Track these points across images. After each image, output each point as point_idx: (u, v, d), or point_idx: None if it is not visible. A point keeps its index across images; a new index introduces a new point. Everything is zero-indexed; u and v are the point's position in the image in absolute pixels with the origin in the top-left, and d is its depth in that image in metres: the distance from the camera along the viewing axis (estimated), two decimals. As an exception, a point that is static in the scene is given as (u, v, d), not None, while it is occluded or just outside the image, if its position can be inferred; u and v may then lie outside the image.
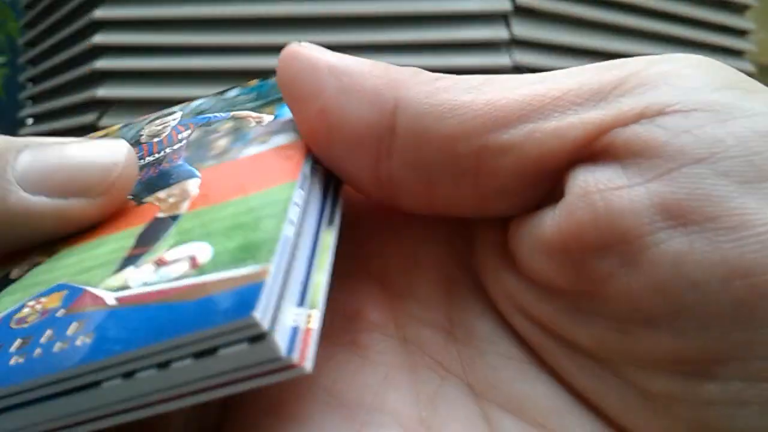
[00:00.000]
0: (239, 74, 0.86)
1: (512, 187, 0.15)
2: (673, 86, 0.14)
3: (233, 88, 0.22)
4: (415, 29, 0.85)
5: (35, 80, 1.22)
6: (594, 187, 0.14)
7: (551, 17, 0.87)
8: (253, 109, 0.20)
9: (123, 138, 0.21)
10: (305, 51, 0.17)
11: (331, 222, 0.17)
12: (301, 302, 0.14)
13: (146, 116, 0.22)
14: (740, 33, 1.09)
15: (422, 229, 0.19)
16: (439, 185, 0.16)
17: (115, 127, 0.22)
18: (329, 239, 0.16)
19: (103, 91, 0.88)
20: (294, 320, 0.13)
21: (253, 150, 0.18)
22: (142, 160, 0.19)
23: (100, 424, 0.13)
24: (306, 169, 0.16)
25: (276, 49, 0.78)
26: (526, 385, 0.16)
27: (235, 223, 0.14)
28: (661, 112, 0.14)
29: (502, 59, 0.84)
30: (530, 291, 0.16)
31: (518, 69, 0.85)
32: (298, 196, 0.15)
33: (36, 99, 1.21)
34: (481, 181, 0.15)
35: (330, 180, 0.18)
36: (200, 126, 0.20)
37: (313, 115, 0.16)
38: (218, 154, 0.18)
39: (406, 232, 0.19)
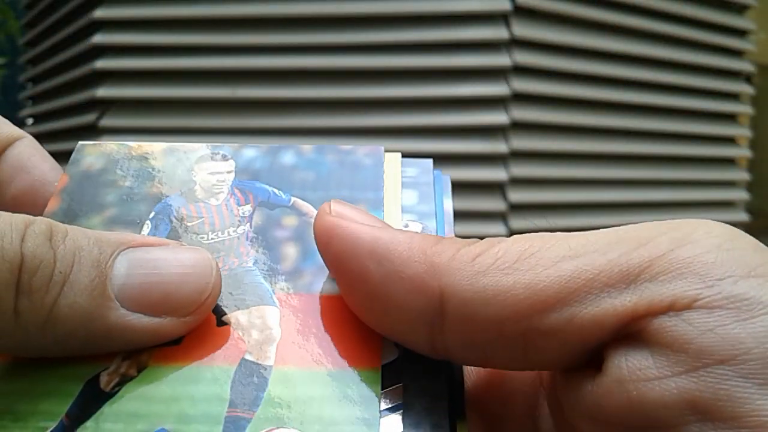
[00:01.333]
0: (239, 74, 0.87)
1: (557, 358, 0.17)
2: (698, 275, 0.15)
3: (287, 149, 0.22)
4: (415, 29, 0.85)
5: (35, 80, 1.22)
6: (628, 375, 0.15)
7: (551, 17, 0.87)
8: (313, 203, 0.21)
9: (172, 173, 0.21)
10: (342, 229, 0.18)
11: (461, 413, 0.18)
12: None
13: (191, 146, 0.22)
14: (740, 33, 1.09)
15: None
16: (491, 356, 0.17)
17: (156, 148, 0.22)
18: None
19: (102, 91, 0.88)
20: None
21: (325, 285, 0.19)
22: (204, 236, 0.20)
23: None
24: (392, 351, 0.18)
25: (276, 49, 0.78)
26: None
27: (327, 417, 0.16)
28: (687, 307, 0.15)
29: (502, 59, 0.84)
30: None
31: (518, 68, 0.85)
32: (389, 400, 0.17)
33: (36, 99, 1.21)
34: (528, 353, 0.17)
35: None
36: (261, 204, 0.21)
37: (361, 298, 0.18)
38: (290, 273, 0.19)
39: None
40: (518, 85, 0.85)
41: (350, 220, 0.18)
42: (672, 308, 0.15)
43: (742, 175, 1.14)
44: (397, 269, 0.17)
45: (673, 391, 0.15)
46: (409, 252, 0.17)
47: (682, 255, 0.16)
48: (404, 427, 0.17)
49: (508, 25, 0.84)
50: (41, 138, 1.18)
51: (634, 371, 0.15)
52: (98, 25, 0.89)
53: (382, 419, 0.17)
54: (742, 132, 1.14)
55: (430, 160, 0.23)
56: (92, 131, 0.89)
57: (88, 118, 0.91)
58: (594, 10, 0.90)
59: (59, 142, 1.01)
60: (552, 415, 0.19)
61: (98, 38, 0.88)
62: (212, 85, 0.87)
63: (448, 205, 0.22)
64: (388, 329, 0.18)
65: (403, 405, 0.17)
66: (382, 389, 0.17)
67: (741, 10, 1.08)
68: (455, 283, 0.17)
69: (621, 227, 0.17)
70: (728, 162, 1.13)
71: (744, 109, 1.14)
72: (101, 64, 0.88)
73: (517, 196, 0.88)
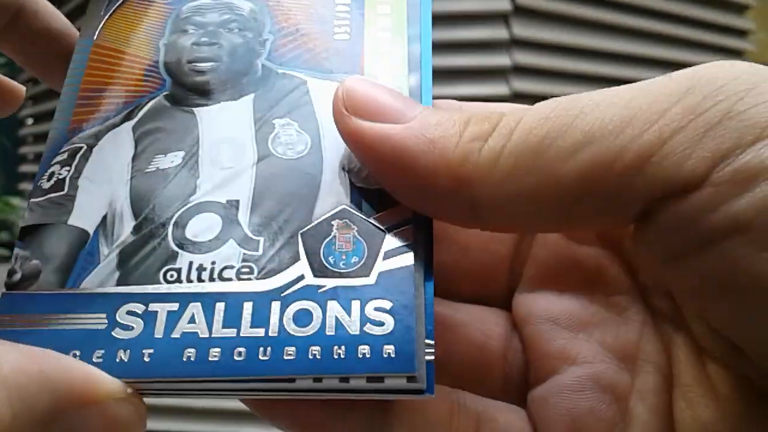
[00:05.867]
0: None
1: (599, 221, 0.20)
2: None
3: None
4: (415, 29, 0.84)
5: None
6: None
7: (551, 17, 0.87)
8: None
9: None
10: (362, 140, 0.20)
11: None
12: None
13: None
14: (740, 33, 1.09)
15: None
16: (533, 228, 0.22)
17: None
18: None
19: (103, 91, 0.88)
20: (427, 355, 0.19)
21: None
22: None
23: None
24: None
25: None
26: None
27: None
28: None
29: (502, 59, 0.84)
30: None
31: (518, 69, 0.85)
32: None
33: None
34: (570, 222, 0.19)
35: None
36: None
37: (401, 195, 0.21)
38: None
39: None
40: (518, 85, 0.85)
41: (365, 117, 0.19)
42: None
43: (742, 175, 1.13)
44: (425, 184, 0.19)
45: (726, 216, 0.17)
46: (434, 166, 0.19)
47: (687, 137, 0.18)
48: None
49: (508, 25, 0.84)
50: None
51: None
52: (98, 25, 0.89)
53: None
54: (742, 132, 1.14)
55: None
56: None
57: (88, 118, 0.91)
58: (594, 10, 0.90)
59: (59, 142, 1.01)
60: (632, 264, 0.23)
61: (98, 38, 0.88)
62: (212, 85, 0.86)
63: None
64: (433, 215, 0.20)
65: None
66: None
67: (741, 10, 1.08)
68: (484, 194, 0.18)
69: (639, 85, 0.20)
70: (728, 162, 1.13)
71: (744, 109, 1.13)
72: (101, 64, 0.88)
73: (517, 196, 0.87)
